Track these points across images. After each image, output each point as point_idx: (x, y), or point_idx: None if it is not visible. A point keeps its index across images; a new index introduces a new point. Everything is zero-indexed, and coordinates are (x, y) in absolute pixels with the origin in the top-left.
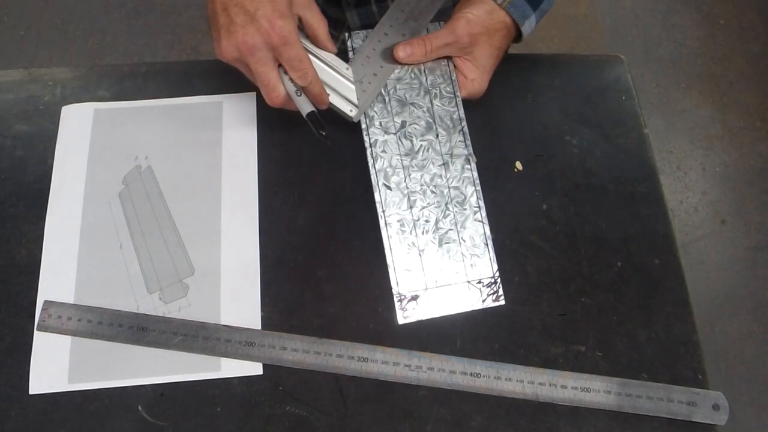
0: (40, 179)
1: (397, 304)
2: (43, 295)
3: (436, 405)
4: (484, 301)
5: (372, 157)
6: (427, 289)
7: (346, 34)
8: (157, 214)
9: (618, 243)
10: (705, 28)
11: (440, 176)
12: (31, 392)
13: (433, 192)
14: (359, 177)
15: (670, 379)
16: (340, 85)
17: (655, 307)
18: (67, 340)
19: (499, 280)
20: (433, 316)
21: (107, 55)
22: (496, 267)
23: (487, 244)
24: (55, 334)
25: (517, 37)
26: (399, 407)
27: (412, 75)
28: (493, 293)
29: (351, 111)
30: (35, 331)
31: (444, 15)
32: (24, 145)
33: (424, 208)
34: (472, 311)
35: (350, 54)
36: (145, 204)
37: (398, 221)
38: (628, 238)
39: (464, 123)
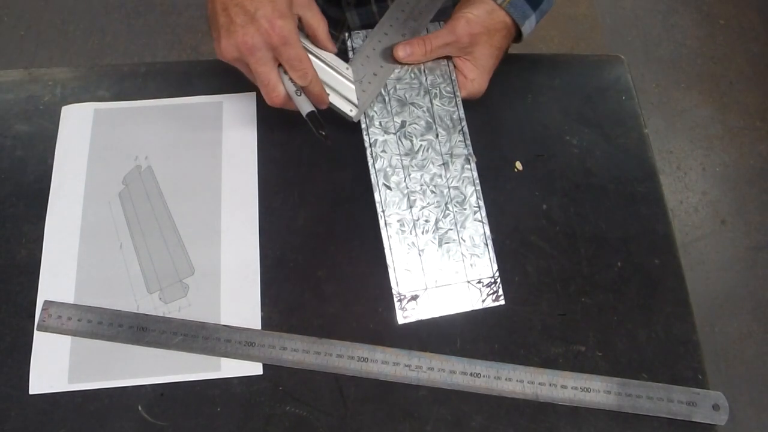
0: (40, 179)
1: (396, 304)
2: (43, 295)
3: (436, 405)
4: (484, 301)
5: (372, 156)
6: (426, 289)
7: (346, 34)
8: (157, 214)
9: (618, 243)
10: (705, 28)
11: (440, 176)
12: (31, 392)
13: (432, 192)
14: (359, 177)
15: (670, 379)
16: (340, 85)
17: (655, 307)
18: (67, 340)
19: (498, 280)
20: (433, 316)
21: (107, 55)
22: (496, 267)
23: (487, 244)
24: (55, 334)
25: (517, 37)
26: (399, 407)
27: (412, 75)
28: (493, 293)
29: (351, 111)
30: (35, 331)
31: (444, 15)
32: (24, 145)
33: (423, 208)
34: (472, 311)
35: (350, 54)
36: (145, 204)
37: (398, 221)
38: (628, 238)
39: (464, 123)
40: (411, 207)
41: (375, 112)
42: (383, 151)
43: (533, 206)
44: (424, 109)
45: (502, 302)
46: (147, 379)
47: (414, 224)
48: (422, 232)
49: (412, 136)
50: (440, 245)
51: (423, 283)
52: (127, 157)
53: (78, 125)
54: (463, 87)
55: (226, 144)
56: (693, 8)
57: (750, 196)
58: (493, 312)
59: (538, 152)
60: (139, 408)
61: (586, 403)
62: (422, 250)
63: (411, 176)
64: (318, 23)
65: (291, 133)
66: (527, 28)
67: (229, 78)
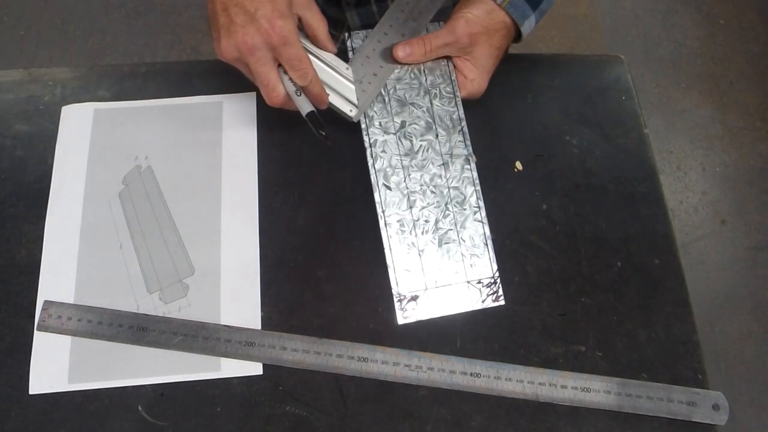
0: (40, 179)
1: (396, 305)
2: (43, 295)
3: (436, 405)
4: (483, 301)
5: (372, 157)
6: (426, 289)
7: (346, 34)
8: (157, 214)
9: (618, 243)
10: (705, 28)
11: (440, 176)
12: (31, 392)
13: (432, 192)
14: (359, 177)
15: (670, 379)
16: (339, 85)
17: (655, 307)
18: (67, 340)
19: (498, 281)
20: (433, 317)
21: (107, 55)
22: (495, 267)
23: (486, 244)
24: (55, 334)
25: (517, 37)
26: (399, 407)
27: (412, 75)
28: (493, 293)
29: (351, 111)
30: (35, 331)
31: (444, 15)
32: (24, 145)
33: (423, 208)
34: (472, 311)
35: (350, 54)
36: (145, 204)
37: (398, 221)
38: (628, 238)
39: (464, 123)
40: (411, 207)
41: (375, 112)
42: (383, 151)
43: (533, 206)
44: (424, 109)
45: (502, 302)
46: (147, 379)
47: (414, 224)
48: (422, 233)
49: (412, 137)
50: (440, 245)
51: (423, 284)
52: (127, 157)
53: (78, 125)
54: (463, 87)
55: (226, 144)
56: (693, 8)
57: (750, 196)
58: (493, 312)
59: (538, 152)
60: (139, 408)
61: (586, 403)
62: (422, 251)
63: (411, 176)
64: (318, 23)
65: (291, 133)
66: (527, 28)
67: (229, 78)
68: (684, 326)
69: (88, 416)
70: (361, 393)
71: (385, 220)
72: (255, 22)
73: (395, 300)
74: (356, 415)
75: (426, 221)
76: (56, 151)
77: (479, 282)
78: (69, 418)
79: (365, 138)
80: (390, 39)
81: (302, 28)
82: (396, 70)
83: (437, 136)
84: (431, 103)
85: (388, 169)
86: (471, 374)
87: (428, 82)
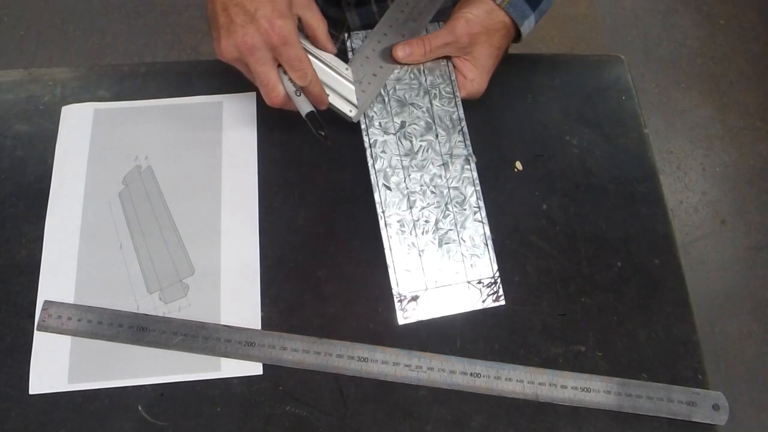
0: (40, 179)
1: (397, 305)
2: (43, 295)
3: (436, 405)
4: (484, 301)
5: (372, 157)
6: (427, 289)
7: (346, 35)
8: (157, 214)
9: (618, 243)
10: (705, 28)
11: (440, 176)
12: (31, 392)
13: (432, 192)
14: (359, 177)
15: (670, 379)
16: (339, 86)
17: (655, 307)
18: (67, 340)
19: (499, 281)
20: (433, 317)
21: (107, 55)
22: (496, 267)
23: (487, 245)
24: (55, 334)
25: (517, 37)
26: (399, 407)
27: (412, 75)
28: (493, 293)
29: (350, 111)
30: (35, 331)
31: (443, 15)
32: (24, 145)
33: (423, 208)
34: (472, 311)
35: (350, 54)
36: (145, 204)
37: (398, 221)
38: (628, 238)
39: (464, 123)
40: (411, 207)
41: (375, 112)
42: (383, 151)
43: (533, 206)
44: (424, 109)
45: (503, 302)
46: (147, 379)
47: (414, 225)
48: (422, 233)
49: (411, 137)
50: (440, 246)
51: (423, 284)
52: (127, 157)
53: (78, 125)
54: (463, 87)
55: (226, 144)
56: (693, 8)
57: (750, 196)
58: (493, 312)
59: (538, 152)
60: (139, 408)
61: (586, 403)
62: (422, 251)
63: (411, 177)
64: (318, 23)
65: (291, 133)
66: (526, 28)
67: (229, 78)
68: (684, 326)
69: (88, 416)
70: (361, 393)
71: (385, 221)
72: (255, 22)
73: (396, 300)
74: (356, 415)
75: (426, 221)
76: (56, 151)
77: (479, 282)
78: (69, 418)
79: (365, 138)
80: (390, 39)
81: (302, 28)
82: (396, 71)
83: (437, 136)
84: (431, 104)
85: (388, 170)
86: (471, 374)
87: (428, 83)
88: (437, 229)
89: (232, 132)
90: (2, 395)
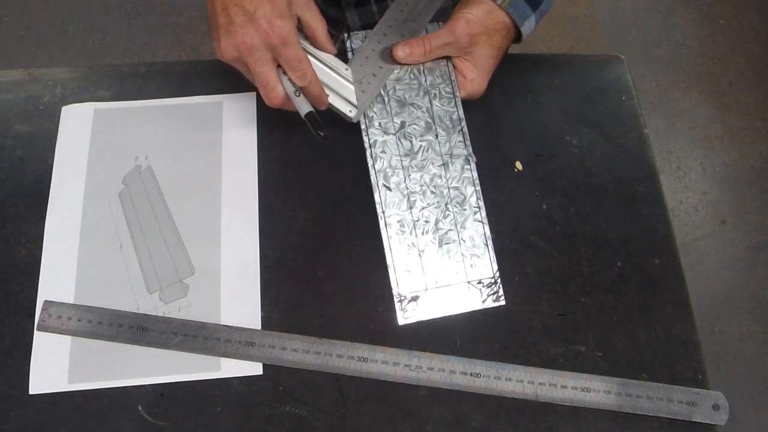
0: (40, 179)
1: (397, 305)
2: (43, 295)
3: (436, 405)
4: (484, 301)
5: (371, 157)
6: (427, 289)
7: (346, 35)
8: (157, 214)
9: (618, 243)
10: (705, 28)
11: (440, 176)
12: (31, 392)
13: (432, 192)
14: (359, 177)
15: (670, 379)
16: (339, 86)
17: (655, 307)
18: (67, 340)
19: (499, 281)
20: (433, 317)
21: (107, 55)
22: (496, 267)
23: (487, 245)
24: (55, 334)
25: (517, 37)
26: (399, 407)
27: (412, 75)
28: (493, 293)
29: (350, 111)
30: (35, 331)
31: (443, 15)
32: (24, 145)
33: (423, 208)
34: (473, 311)
35: (349, 54)
36: (145, 204)
37: (398, 222)
38: (628, 238)
39: (464, 123)
40: (411, 208)
41: (374, 112)
42: (383, 151)
43: (533, 206)
44: (424, 109)
45: (503, 302)
46: (147, 379)
47: (414, 225)
48: (422, 233)
49: (411, 137)
50: (440, 246)
51: (423, 284)
52: (127, 157)
53: (78, 125)
54: (463, 87)
55: (226, 144)
56: (693, 8)
57: (750, 196)
58: (493, 312)
59: (538, 152)
60: (139, 408)
61: (586, 403)
62: (422, 251)
63: (411, 177)
64: (317, 24)
65: (291, 133)
66: (527, 28)
67: (229, 78)
68: (684, 326)
69: (88, 416)
70: (361, 393)
71: (385, 221)
72: (254, 22)
73: (396, 300)
74: (356, 415)
75: (426, 221)
76: (56, 151)
77: (479, 282)
78: (69, 418)
79: (365, 138)
80: (389, 39)
81: (301, 28)
82: (395, 71)
83: (437, 136)
84: (431, 104)
85: (388, 170)
86: (471, 374)
87: (428, 83)
88: (437, 229)
89: (232, 132)
90: (2, 395)
